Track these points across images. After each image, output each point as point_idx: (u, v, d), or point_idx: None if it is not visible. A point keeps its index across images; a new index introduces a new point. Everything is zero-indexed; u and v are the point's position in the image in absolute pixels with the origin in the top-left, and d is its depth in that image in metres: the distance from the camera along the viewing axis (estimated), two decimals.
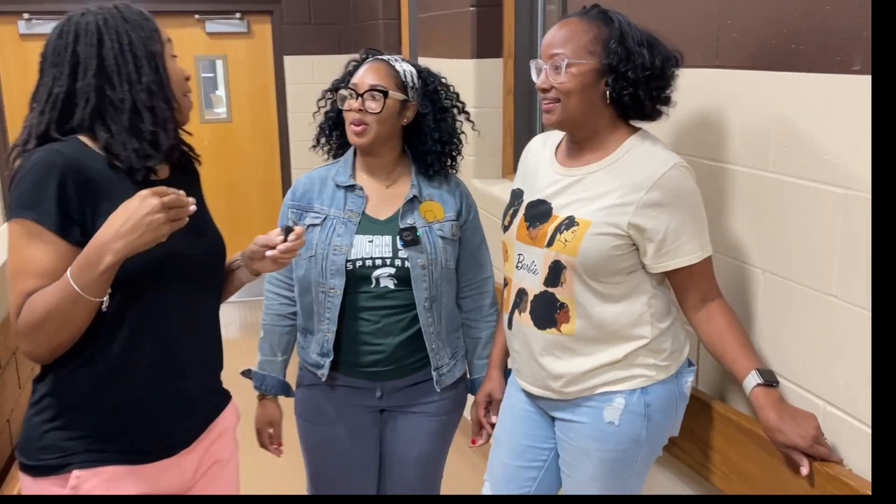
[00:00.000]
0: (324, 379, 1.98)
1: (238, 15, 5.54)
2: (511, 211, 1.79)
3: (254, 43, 5.65)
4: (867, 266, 1.34)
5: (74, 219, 1.40)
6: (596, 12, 1.62)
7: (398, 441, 2.09)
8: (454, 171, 2.06)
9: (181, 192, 1.37)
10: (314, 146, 2.12)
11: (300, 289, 2.00)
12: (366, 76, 1.91)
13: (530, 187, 1.76)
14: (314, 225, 1.95)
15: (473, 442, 2.07)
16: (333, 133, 2.07)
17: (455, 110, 2.03)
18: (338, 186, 1.98)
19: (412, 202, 1.96)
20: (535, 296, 1.68)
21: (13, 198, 1.40)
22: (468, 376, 2.13)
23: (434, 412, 2.06)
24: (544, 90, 1.62)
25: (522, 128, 3.39)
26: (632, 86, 1.56)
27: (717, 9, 1.70)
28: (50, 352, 1.42)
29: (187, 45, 5.51)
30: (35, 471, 1.45)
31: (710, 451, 1.76)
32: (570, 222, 1.61)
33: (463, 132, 2.05)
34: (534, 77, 1.66)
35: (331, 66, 5.61)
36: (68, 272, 1.35)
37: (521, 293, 1.72)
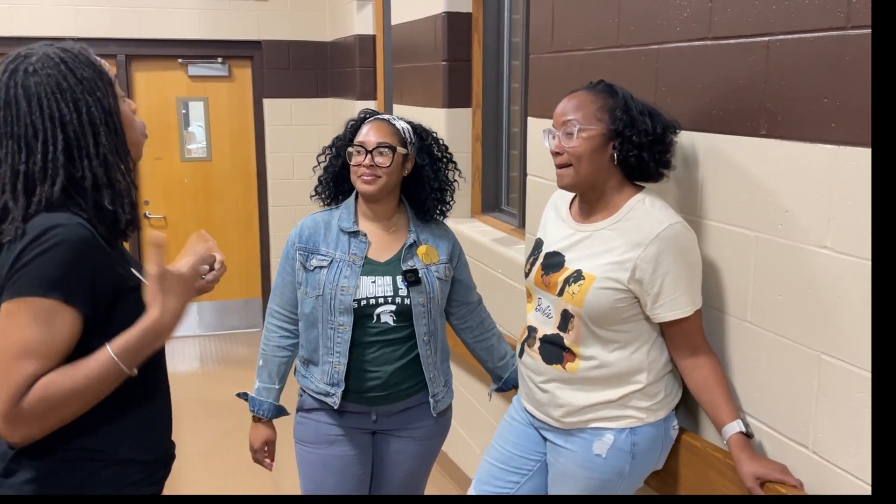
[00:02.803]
0: (336, 406, 2.14)
1: (220, 60, 5.80)
2: (531, 259, 1.98)
3: (234, 86, 5.91)
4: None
5: (98, 296, 1.38)
6: (602, 86, 1.82)
7: (386, 463, 2.28)
8: (447, 215, 2.28)
9: (210, 247, 1.45)
10: (313, 195, 2.29)
11: (306, 324, 2.17)
12: (372, 134, 2.12)
13: (548, 238, 1.95)
14: (321, 267, 2.12)
15: None
16: (333, 184, 2.24)
17: (445, 160, 2.25)
18: (342, 231, 2.15)
19: (412, 247, 2.17)
20: (545, 335, 1.88)
21: (30, 276, 1.30)
22: (501, 377, 2.37)
23: (421, 437, 2.26)
24: (557, 154, 1.80)
25: (489, 172, 3.68)
26: (637, 149, 1.74)
27: (655, 78, 2.00)
28: (51, 430, 1.35)
29: (170, 87, 5.75)
30: None
31: None
32: (577, 276, 1.79)
33: (455, 180, 2.28)
34: (546, 144, 1.84)
35: (308, 109, 5.91)
36: (113, 354, 1.34)
37: (532, 330, 1.93)
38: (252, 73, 5.89)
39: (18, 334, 1.30)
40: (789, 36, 1.57)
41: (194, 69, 5.78)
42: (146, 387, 1.52)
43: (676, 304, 1.74)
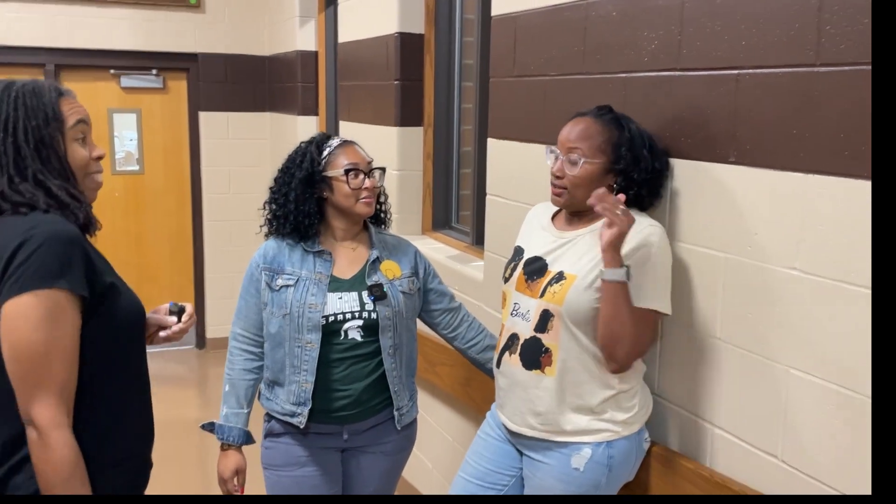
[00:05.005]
0: (302, 426, 2.15)
1: (154, 71, 5.67)
2: (512, 265, 2.04)
3: (169, 98, 5.79)
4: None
5: (92, 286, 1.44)
6: (610, 117, 1.89)
7: (356, 479, 2.29)
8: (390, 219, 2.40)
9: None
10: (264, 225, 2.24)
11: (272, 344, 2.18)
12: (360, 158, 2.18)
13: (529, 246, 2.02)
14: (287, 286, 2.14)
15: None
16: (307, 220, 2.15)
17: None
18: (306, 251, 2.18)
19: (375, 263, 2.22)
20: (526, 340, 1.92)
21: (33, 270, 1.36)
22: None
23: (389, 451, 2.29)
24: (558, 177, 1.88)
25: (440, 189, 3.73)
26: (636, 185, 1.84)
27: (622, 106, 2.06)
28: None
29: (101, 98, 5.59)
30: None
31: None
32: (559, 276, 1.86)
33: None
34: (548, 162, 1.92)
35: (246, 123, 5.84)
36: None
37: (514, 337, 1.96)
38: (188, 85, 5.79)
39: (37, 334, 1.35)
40: (759, 70, 1.67)
41: (127, 80, 5.64)
42: (129, 391, 1.58)
43: (640, 295, 1.79)
